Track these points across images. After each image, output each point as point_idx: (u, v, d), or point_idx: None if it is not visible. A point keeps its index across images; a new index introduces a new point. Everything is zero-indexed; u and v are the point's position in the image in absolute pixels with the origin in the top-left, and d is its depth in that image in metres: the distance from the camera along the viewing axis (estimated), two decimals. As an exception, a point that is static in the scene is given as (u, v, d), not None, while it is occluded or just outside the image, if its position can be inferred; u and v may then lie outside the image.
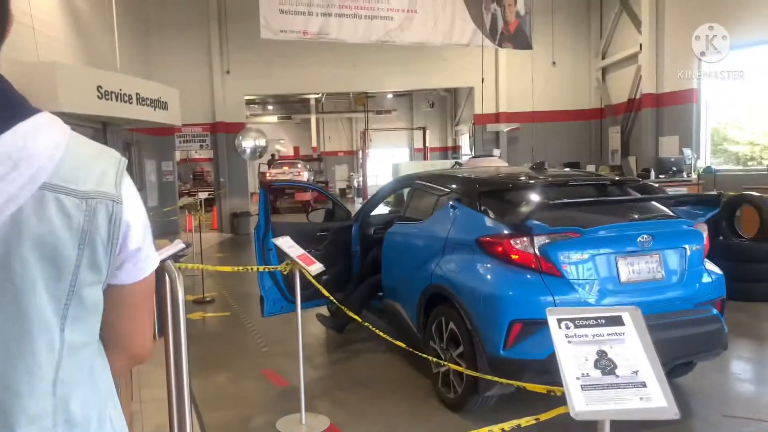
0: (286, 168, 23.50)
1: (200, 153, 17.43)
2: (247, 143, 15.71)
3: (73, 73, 9.31)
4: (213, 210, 15.88)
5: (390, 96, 27.72)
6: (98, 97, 9.40)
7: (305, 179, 22.69)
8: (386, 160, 28.18)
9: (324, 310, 5.69)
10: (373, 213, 5.81)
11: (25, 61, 8.44)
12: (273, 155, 26.78)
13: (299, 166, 24.29)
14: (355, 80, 16.29)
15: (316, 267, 3.67)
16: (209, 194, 14.95)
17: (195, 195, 14.39)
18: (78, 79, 9.19)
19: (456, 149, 25.97)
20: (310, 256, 3.80)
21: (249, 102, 23.82)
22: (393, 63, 15.05)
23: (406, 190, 5.57)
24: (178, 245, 2.35)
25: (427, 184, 4.74)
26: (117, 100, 9.79)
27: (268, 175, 22.81)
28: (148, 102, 10.57)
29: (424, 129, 23.46)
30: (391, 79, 16.39)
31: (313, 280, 3.80)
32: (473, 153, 15.56)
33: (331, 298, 4.10)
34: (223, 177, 15.74)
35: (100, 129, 11.38)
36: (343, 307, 4.29)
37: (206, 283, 7.70)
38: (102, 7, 10.93)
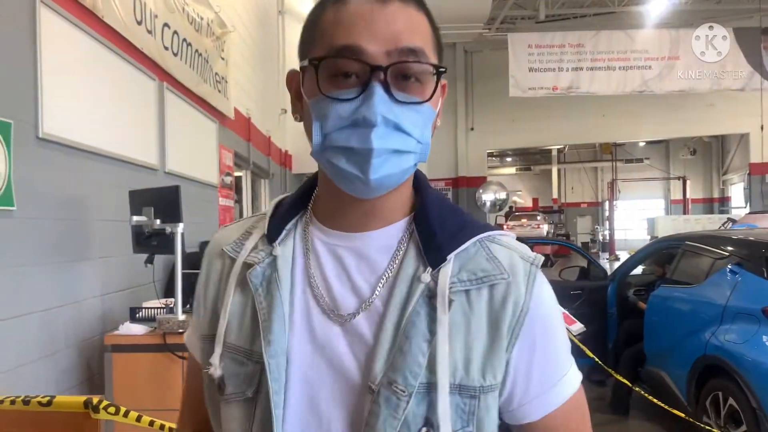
0: (524, 220, 23.14)
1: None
2: (487, 196, 15.95)
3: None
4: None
5: (642, 144, 25.79)
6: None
7: (544, 232, 22.05)
8: (637, 213, 26.11)
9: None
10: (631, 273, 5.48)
11: (304, 128, 9.84)
12: (510, 207, 26.75)
13: (538, 218, 23.73)
14: (604, 131, 15.55)
15: (577, 327, 3.61)
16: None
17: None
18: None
19: (724, 201, 22.88)
20: (570, 315, 3.73)
21: (488, 154, 24.33)
22: (648, 111, 14.03)
23: (662, 250, 5.15)
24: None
25: (700, 245, 4.38)
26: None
27: (505, 227, 22.75)
28: (400, 160, 11.49)
29: (683, 179, 21.23)
30: (645, 127, 15.27)
31: (576, 340, 3.75)
32: (748, 206, 13.51)
33: (603, 365, 3.92)
34: (464, 229, 16.15)
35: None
36: (623, 380, 4.10)
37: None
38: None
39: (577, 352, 4.10)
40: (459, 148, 15.84)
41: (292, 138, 9.40)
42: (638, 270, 5.99)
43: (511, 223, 22.81)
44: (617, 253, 21.24)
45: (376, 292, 0.72)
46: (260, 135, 7.56)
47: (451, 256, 0.72)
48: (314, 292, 0.73)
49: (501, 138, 16.08)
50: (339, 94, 0.67)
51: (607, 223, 23.74)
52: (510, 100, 11.97)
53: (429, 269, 0.71)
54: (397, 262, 0.73)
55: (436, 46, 0.74)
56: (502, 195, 16.31)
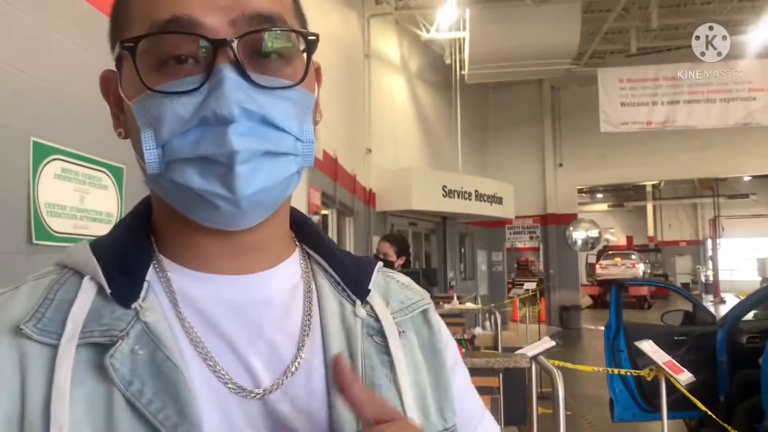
0: (617, 259, 22.08)
1: (524, 243, 17.80)
2: (578, 234, 15.41)
3: (424, 175, 10.66)
4: (541, 302, 15.80)
5: (747, 178, 24.10)
6: (443, 195, 10.54)
7: (640, 272, 20.92)
8: (744, 252, 24.27)
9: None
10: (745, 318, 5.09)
11: (388, 168, 10.03)
12: (604, 246, 25.65)
13: (633, 257, 22.55)
14: (704, 165, 14.67)
15: (685, 376, 3.40)
16: (537, 285, 14.97)
17: (521, 285, 14.59)
18: (427, 181, 10.49)
19: None
20: (676, 363, 3.52)
21: (578, 191, 23.60)
22: (753, 144, 13.13)
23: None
24: (548, 342, 2.47)
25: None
26: (458, 197, 10.81)
27: (597, 267, 21.79)
28: (485, 198, 11.37)
29: (795, 215, 19.52)
30: (750, 161, 14.27)
31: (684, 390, 3.53)
32: None
33: (716, 418, 3.65)
34: (552, 268, 15.63)
35: (440, 222, 12.64)
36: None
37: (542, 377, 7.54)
38: (448, 117, 12.40)
39: (686, 404, 3.83)
40: (547, 185, 15.46)
41: (376, 176, 9.56)
42: (750, 315, 5.54)
43: (604, 263, 21.84)
44: (722, 295, 19.76)
45: (304, 346, 0.54)
46: (346, 174, 7.74)
47: (371, 287, 0.60)
48: (211, 366, 0.50)
49: (591, 174, 15.56)
50: (172, 86, 0.48)
51: (710, 262, 22.22)
52: (600, 135, 11.62)
53: (358, 302, 0.58)
54: (313, 302, 0.57)
55: (298, 15, 0.56)
56: (594, 233, 15.70)
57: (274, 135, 0.49)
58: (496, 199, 11.66)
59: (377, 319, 0.58)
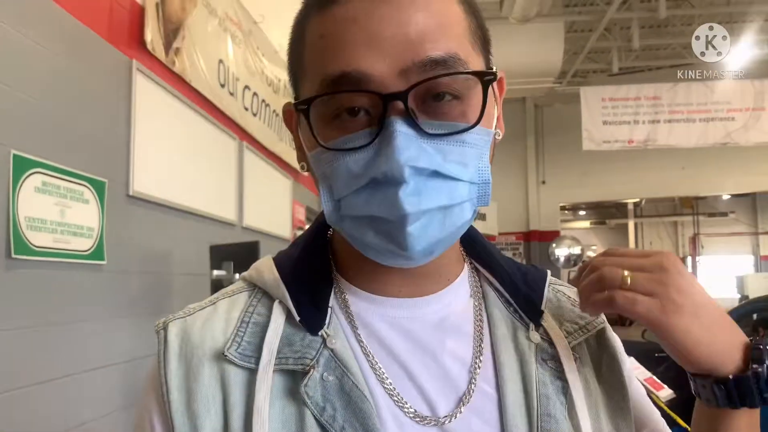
0: (600, 276, 22.22)
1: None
2: (561, 251, 15.53)
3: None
4: (525, 318, 15.88)
5: (726, 197, 24.51)
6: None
7: (623, 289, 21.07)
8: (723, 270, 24.57)
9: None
10: None
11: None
12: (584, 262, 25.80)
13: (615, 274, 22.66)
14: (684, 184, 14.93)
15: (666, 393, 3.40)
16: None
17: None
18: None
19: (821, 258, 21.16)
20: (657, 379, 3.53)
21: (560, 208, 23.77)
22: (732, 163, 13.40)
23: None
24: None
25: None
26: (443, 213, 10.86)
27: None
28: (470, 214, 11.45)
29: (773, 234, 19.85)
30: (729, 180, 14.57)
31: (665, 407, 3.54)
32: None
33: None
34: (536, 285, 15.74)
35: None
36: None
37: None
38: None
39: (666, 420, 3.88)
40: (530, 202, 15.61)
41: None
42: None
43: (586, 279, 21.92)
44: (703, 312, 19.98)
45: (477, 370, 0.53)
46: (332, 190, 7.72)
47: (544, 307, 0.59)
48: (390, 391, 0.51)
49: (574, 191, 15.75)
50: (345, 142, 0.48)
51: (690, 280, 22.46)
52: (583, 153, 11.78)
53: (532, 326, 0.57)
54: (483, 325, 0.57)
55: (477, 38, 0.52)
56: (577, 250, 15.83)
57: (447, 187, 0.48)
58: (479, 216, 11.61)
59: (551, 344, 0.57)
